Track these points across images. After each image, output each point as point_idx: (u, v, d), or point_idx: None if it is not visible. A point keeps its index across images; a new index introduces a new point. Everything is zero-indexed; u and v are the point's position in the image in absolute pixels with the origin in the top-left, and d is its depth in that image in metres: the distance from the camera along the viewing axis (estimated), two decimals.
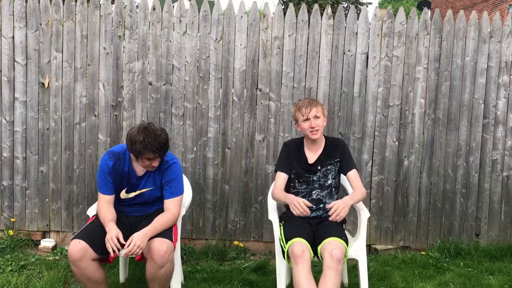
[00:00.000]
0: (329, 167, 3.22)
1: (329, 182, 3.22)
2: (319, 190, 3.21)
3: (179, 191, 3.06)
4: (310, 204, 2.96)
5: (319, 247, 2.94)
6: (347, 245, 2.97)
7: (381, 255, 4.10)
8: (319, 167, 3.21)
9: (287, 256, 2.94)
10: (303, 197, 3.21)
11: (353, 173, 3.21)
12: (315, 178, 3.21)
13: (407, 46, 4.05)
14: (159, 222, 2.89)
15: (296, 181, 3.23)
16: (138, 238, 2.74)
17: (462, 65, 4.08)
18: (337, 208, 2.92)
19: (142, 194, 3.07)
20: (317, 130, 3.12)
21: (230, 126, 4.10)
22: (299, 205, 2.91)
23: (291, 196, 3.07)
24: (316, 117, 3.10)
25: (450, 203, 4.21)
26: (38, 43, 4.00)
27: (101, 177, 3.01)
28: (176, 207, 3.02)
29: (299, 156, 3.24)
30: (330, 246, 2.85)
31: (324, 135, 3.29)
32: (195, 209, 4.12)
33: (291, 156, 3.24)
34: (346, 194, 3.55)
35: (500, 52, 4.12)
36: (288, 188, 3.31)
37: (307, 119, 3.10)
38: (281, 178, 3.23)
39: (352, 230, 4.06)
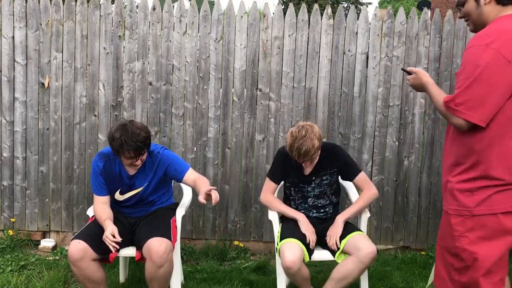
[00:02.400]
0: (324, 178, 3.15)
1: (324, 191, 3.18)
2: (315, 198, 3.18)
3: (186, 165, 3.07)
4: None
5: (343, 242, 2.93)
6: None
7: (381, 255, 4.09)
8: (313, 178, 3.15)
9: (278, 253, 2.96)
10: (299, 203, 3.21)
11: (359, 178, 3.14)
12: (309, 189, 3.16)
13: (407, 46, 4.05)
14: (205, 183, 2.92)
15: (292, 189, 3.21)
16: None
17: None
18: (332, 238, 2.95)
19: (138, 193, 3.06)
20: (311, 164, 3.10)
21: (230, 126, 4.09)
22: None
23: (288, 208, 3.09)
24: (310, 160, 3.04)
25: None
26: (38, 43, 4.00)
27: (94, 178, 3.01)
28: (196, 174, 3.05)
29: (294, 165, 3.15)
30: (363, 243, 2.86)
31: None
32: (195, 209, 4.12)
33: (286, 164, 3.17)
34: (347, 197, 3.55)
35: None
36: (284, 195, 3.30)
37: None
38: (270, 184, 3.22)
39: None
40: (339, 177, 3.25)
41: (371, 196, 3.11)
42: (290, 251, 2.83)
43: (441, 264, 2.28)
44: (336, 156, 3.15)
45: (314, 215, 3.19)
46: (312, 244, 2.97)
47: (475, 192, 2.10)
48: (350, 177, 3.17)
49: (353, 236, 2.93)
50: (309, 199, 3.18)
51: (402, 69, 2.68)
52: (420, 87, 2.35)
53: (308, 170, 3.15)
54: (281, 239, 2.97)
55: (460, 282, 2.16)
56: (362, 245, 2.85)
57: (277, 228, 3.16)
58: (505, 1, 2.13)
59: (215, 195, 2.70)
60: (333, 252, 2.98)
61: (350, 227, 3.04)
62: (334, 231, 2.97)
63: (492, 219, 2.07)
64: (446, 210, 2.22)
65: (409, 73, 2.40)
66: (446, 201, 2.23)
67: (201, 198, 2.73)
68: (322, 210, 3.19)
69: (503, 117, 2.05)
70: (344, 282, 2.88)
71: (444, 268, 2.25)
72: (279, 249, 2.92)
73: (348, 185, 3.41)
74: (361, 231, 3.04)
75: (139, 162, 2.88)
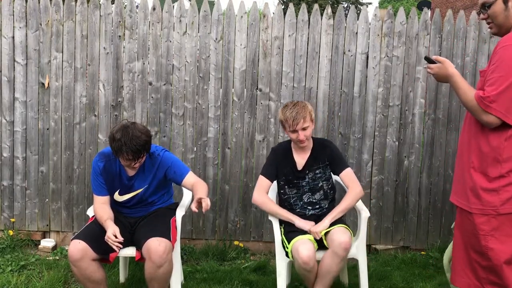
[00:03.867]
0: (317, 171, 3.16)
1: (320, 185, 3.18)
2: (310, 194, 3.18)
3: (186, 169, 3.07)
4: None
5: (324, 231, 2.97)
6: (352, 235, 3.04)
7: (381, 255, 4.10)
8: (307, 171, 3.16)
9: (291, 255, 2.95)
10: (294, 201, 3.20)
11: (345, 173, 3.14)
12: (304, 183, 3.17)
13: (407, 46, 4.05)
14: (202, 188, 2.93)
15: (286, 186, 3.21)
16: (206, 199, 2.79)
17: (462, 65, 4.08)
18: (315, 234, 2.97)
19: (138, 194, 3.06)
20: (305, 139, 3.06)
21: (230, 126, 4.10)
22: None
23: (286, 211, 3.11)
24: (304, 128, 3.01)
25: (450, 203, 4.20)
26: (38, 43, 4.00)
27: (94, 178, 3.01)
28: (196, 178, 3.06)
29: (288, 162, 3.18)
30: (337, 234, 2.89)
31: (312, 137, 3.21)
32: None
33: (279, 161, 3.18)
34: (345, 193, 3.55)
35: None
36: (278, 194, 3.30)
37: (295, 131, 3.03)
38: (263, 182, 3.17)
39: (352, 230, 4.05)
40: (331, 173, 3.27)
41: (357, 194, 3.11)
42: (305, 246, 2.85)
43: (461, 261, 2.25)
44: (327, 147, 3.19)
45: (310, 212, 3.19)
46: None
47: (501, 191, 2.11)
48: (337, 170, 3.17)
49: (333, 229, 2.97)
50: (304, 196, 3.18)
51: (426, 57, 2.46)
52: (444, 78, 2.32)
53: (301, 164, 3.16)
54: (289, 240, 2.97)
55: (489, 279, 2.17)
56: (336, 236, 2.89)
57: (277, 228, 3.16)
58: None
59: (205, 204, 2.75)
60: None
61: (335, 221, 3.05)
62: (316, 228, 2.98)
63: None
64: (467, 209, 2.19)
65: (432, 61, 2.35)
66: (466, 200, 2.20)
67: (193, 207, 2.77)
68: (317, 206, 3.19)
69: None
70: (328, 277, 2.91)
71: (468, 265, 2.23)
72: (291, 250, 2.92)
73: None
74: (344, 224, 3.06)
75: (137, 165, 2.89)
